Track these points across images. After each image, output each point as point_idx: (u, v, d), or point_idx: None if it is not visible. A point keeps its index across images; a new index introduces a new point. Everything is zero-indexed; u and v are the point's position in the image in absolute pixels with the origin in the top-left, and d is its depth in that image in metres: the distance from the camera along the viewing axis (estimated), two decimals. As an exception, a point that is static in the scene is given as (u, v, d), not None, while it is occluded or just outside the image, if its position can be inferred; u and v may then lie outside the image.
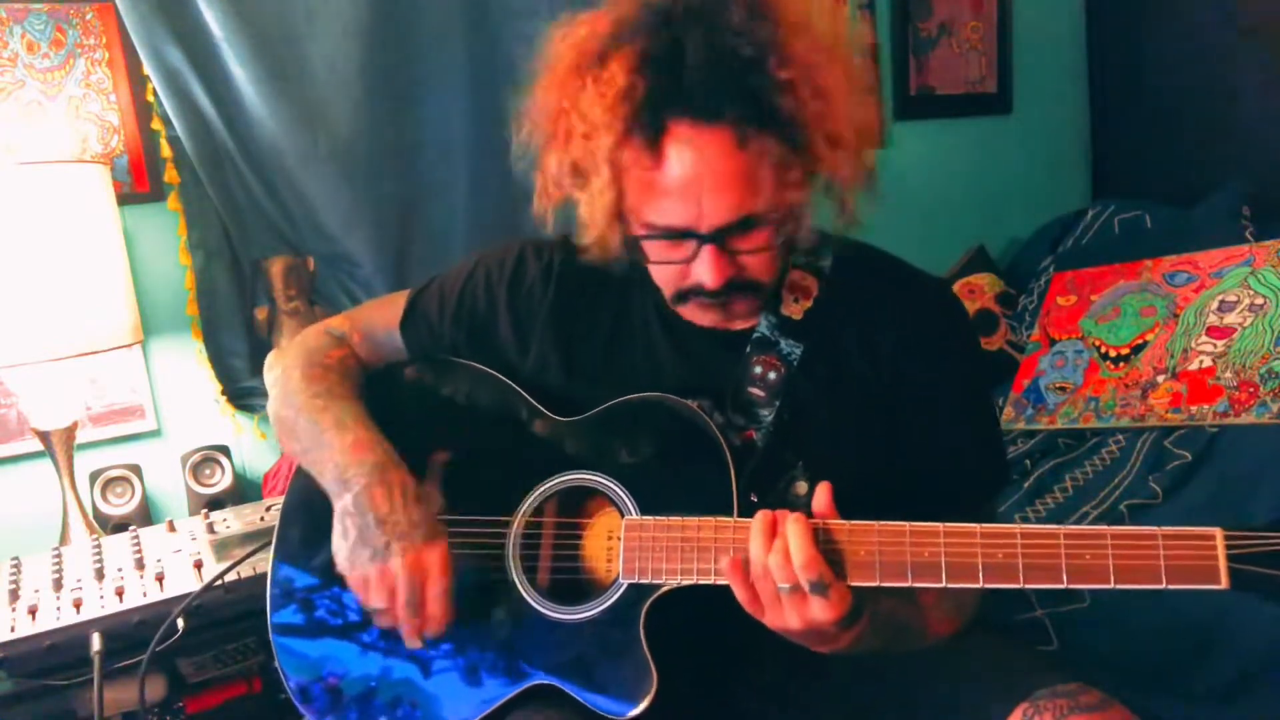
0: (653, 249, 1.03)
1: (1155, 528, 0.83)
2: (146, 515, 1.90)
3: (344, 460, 1.09)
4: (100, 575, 1.47)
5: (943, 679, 1.02)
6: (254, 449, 2.07)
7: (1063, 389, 2.37)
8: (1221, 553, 0.80)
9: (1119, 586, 0.83)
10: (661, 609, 1.00)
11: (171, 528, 1.65)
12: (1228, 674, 1.55)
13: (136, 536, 1.59)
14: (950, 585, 0.89)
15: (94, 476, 1.87)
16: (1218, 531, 0.81)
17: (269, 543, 1.26)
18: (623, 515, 1.04)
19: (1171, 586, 0.82)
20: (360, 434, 1.11)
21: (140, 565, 1.49)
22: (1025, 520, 2.02)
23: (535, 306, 1.19)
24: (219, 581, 1.44)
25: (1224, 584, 0.80)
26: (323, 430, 1.13)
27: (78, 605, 1.38)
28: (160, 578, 1.45)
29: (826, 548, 0.91)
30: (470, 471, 1.16)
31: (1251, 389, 2.01)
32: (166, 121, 1.91)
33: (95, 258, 1.65)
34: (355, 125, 2.01)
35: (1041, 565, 0.86)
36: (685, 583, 0.99)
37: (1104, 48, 3.12)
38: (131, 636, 1.38)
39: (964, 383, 1.14)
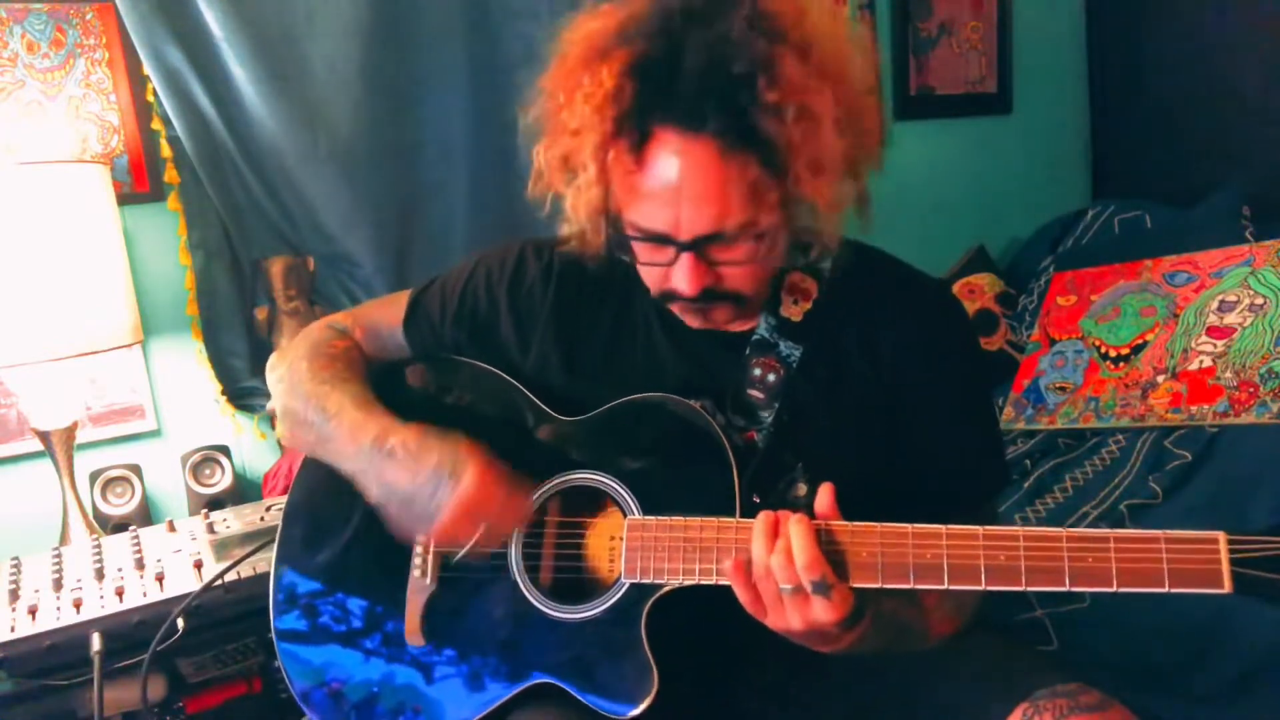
0: (639, 250, 1.04)
1: (1159, 531, 0.83)
2: (146, 515, 1.90)
3: (349, 450, 1.10)
4: (100, 575, 1.47)
5: (943, 679, 1.02)
6: (254, 449, 2.07)
7: (1063, 389, 2.37)
8: (1224, 557, 0.80)
9: (1122, 590, 0.83)
10: (663, 609, 1.00)
11: (171, 528, 1.65)
12: (1228, 674, 1.54)
13: (136, 536, 1.59)
14: (952, 588, 0.89)
15: (94, 476, 1.87)
16: (1221, 535, 0.81)
17: (268, 543, 1.26)
18: (625, 515, 1.04)
19: (1174, 590, 0.82)
20: (355, 416, 1.11)
21: (140, 565, 1.49)
22: (1025, 520, 2.02)
23: (536, 306, 1.19)
24: (219, 581, 1.44)
25: (1227, 588, 0.80)
26: (328, 418, 1.13)
27: (78, 605, 1.38)
28: (160, 578, 1.45)
29: (828, 549, 0.91)
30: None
31: (1251, 389, 2.01)
32: (166, 121, 1.91)
33: (95, 258, 1.65)
34: (355, 125, 2.01)
35: (1044, 568, 0.86)
36: (687, 583, 0.99)
37: (1104, 48, 3.11)
38: (131, 636, 1.38)
39: (964, 384, 1.14)
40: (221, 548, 1.55)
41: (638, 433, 1.08)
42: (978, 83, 2.95)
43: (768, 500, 1.03)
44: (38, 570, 1.50)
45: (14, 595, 1.43)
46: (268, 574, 1.23)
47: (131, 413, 1.95)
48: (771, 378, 1.09)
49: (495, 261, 1.23)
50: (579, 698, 1.01)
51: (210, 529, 1.63)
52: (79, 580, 1.45)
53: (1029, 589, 0.87)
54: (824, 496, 0.94)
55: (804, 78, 0.93)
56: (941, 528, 0.90)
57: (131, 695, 1.37)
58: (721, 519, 0.98)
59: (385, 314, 1.28)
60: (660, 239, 0.99)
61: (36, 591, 1.43)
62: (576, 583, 1.10)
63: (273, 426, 2.04)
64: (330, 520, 1.20)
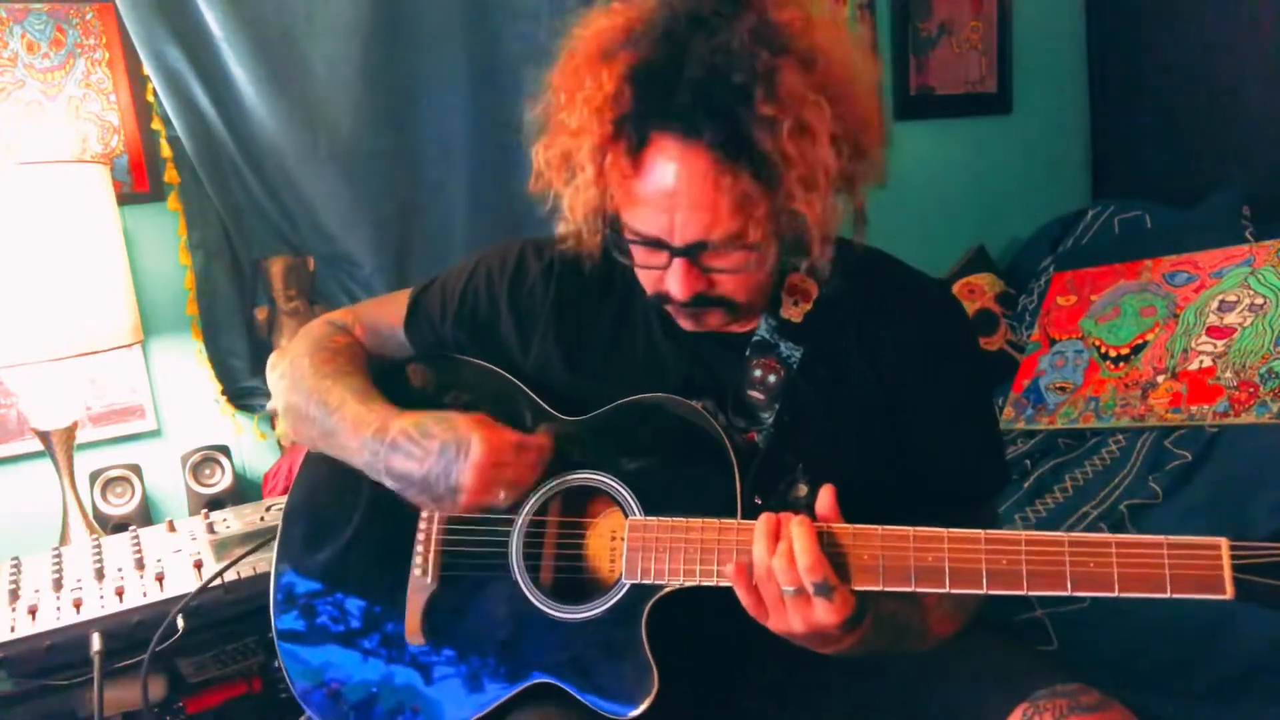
0: (635, 252, 1.04)
1: (1161, 537, 0.83)
2: (146, 515, 1.90)
3: (354, 443, 1.10)
4: (100, 575, 1.47)
5: (943, 679, 1.02)
6: (254, 449, 2.07)
7: (1063, 389, 2.37)
8: (1227, 563, 0.80)
9: (1124, 595, 0.83)
10: (663, 608, 1.00)
11: (171, 528, 1.64)
12: (1228, 674, 1.54)
13: (136, 536, 1.58)
14: (954, 591, 0.89)
15: (94, 476, 1.87)
16: (1223, 542, 0.81)
17: (266, 543, 1.26)
18: (626, 515, 1.04)
19: (1176, 596, 0.82)
20: (356, 410, 1.12)
21: (140, 565, 1.49)
22: (1025, 520, 2.02)
23: (537, 306, 1.19)
24: (219, 581, 1.43)
25: (1229, 594, 0.80)
26: (331, 412, 1.13)
27: (78, 605, 1.38)
28: (160, 578, 1.45)
29: (830, 551, 0.91)
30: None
31: (1251, 389, 2.01)
32: (166, 121, 1.91)
33: (95, 258, 1.65)
34: (355, 125, 2.01)
35: (1046, 572, 0.86)
36: (688, 584, 0.99)
37: (1104, 48, 3.12)
38: (131, 636, 1.38)
39: (964, 384, 1.14)
40: (221, 548, 1.55)
41: (639, 433, 1.09)
42: (978, 83, 2.95)
43: (768, 501, 1.03)
44: (38, 570, 1.50)
45: (14, 595, 1.42)
46: (268, 574, 1.23)
47: (131, 413, 1.95)
48: (772, 379, 1.09)
49: (496, 261, 1.23)
50: (579, 698, 1.01)
51: (210, 529, 1.63)
52: (79, 580, 1.45)
53: (1030, 593, 0.87)
54: (825, 498, 0.94)
55: (803, 91, 0.92)
56: (943, 531, 0.90)
57: (132, 695, 1.37)
58: (723, 520, 0.98)
59: (385, 313, 1.28)
60: (655, 243, 0.99)
61: (36, 591, 1.43)
62: (577, 583, 1.10)
63: (273, 426, 2.04)
64: (330, 520, 1.20)
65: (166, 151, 1.93)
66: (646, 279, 1.06)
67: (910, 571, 0.90)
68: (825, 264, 1.01)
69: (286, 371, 1.22)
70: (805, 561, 0.89)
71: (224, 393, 2.00)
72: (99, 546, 1.56)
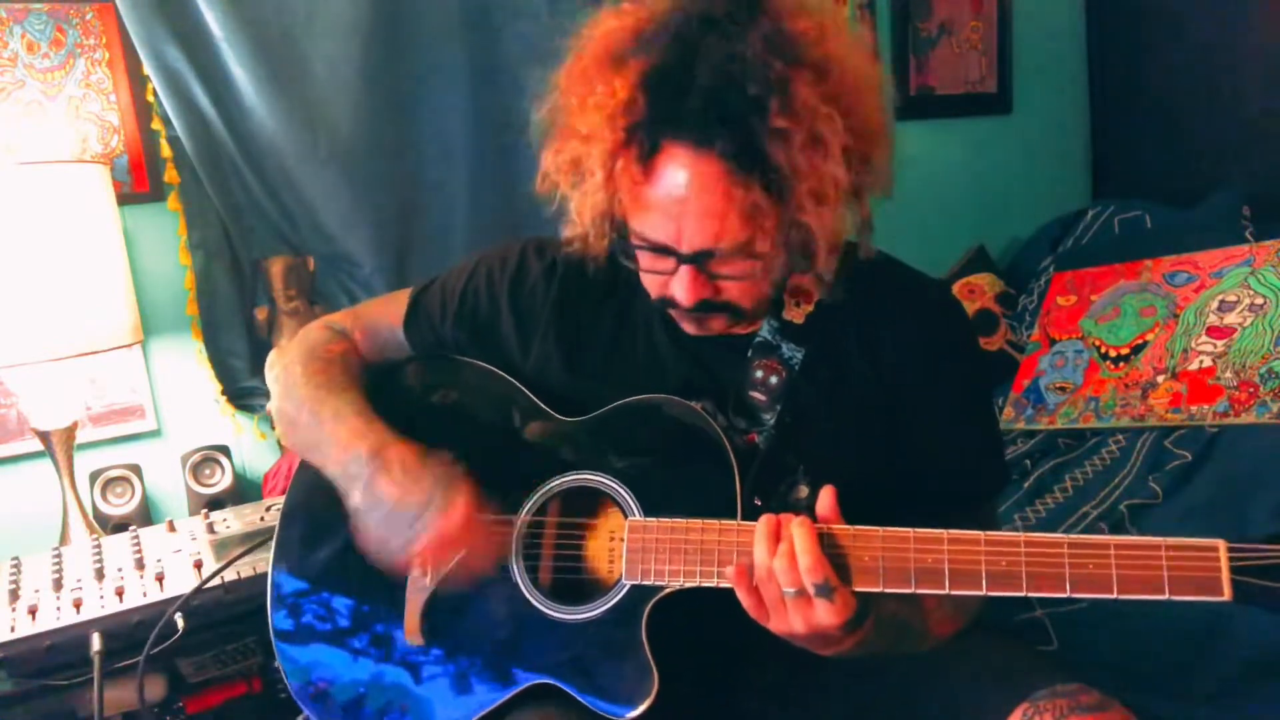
0: (641, 257, 1.04)
1: (1159, 538, 0.83)
2: (146, 515, 1.90)
3: (343, 455, 1.09)
4: (100, 575, 1.47)
5: (943, 679, 1.02)
6: (254, 449, 2.07)
7: (1063, 389, 2.37)
8: (1224, 565, 0.81)
9: (1122, 597, 0.84)
10: (663, 609, 1.00)
11: (171, 528, 1.65)
12: (1228, 674, 1.54)
13: (136, 536, 1.58)
14: (954, 593, 0.89)
15: (94, 476, 1.87)
16: (1221, 544, 0.81)
17: (263, 543, 1.26)
18: (626, 516, 1.04)
19: (1175, 598, 0.82)
20: (354, 424, 1.11)
21: (140, 565, 1.49)
22: (1025, 520, 2.02)
23: (538, 306, 1.19)
24: (218, 581, 1.44)
25: (1226, 596, 0.80)
26: (322, 423, 1.13)
27: (78, 605, 1.38)
28: (160, 578, 1.45)
29: (830, 552, 0.91)
30: (474, 470, 1.16)
31: (1251, 389, 2.01)
32: (166, 121, 1.91)
33: (95, 258, 1.65)
34: (355, 125, 2.01)
35: (1045, 574, 0.86)
36: (688, 585, 0.99)
37: (1104, 48, 3.12)
38: (131, 636, 1.38)
39: (964, 384, 1.14)
40: (221, 548, 1.55)
41: (638, 434, 1.08)
42: (978, 83, 2.95)
43: (769, 502, 1.03)
44: (38, 570, 1.50)
45: (14, 595, 1.43)
46: (267, 574, 1.23)
47: (131, 413, 1.95)
48: (774, 380, 1.09)
49: (497, 261, 1.23)
50: (579, 698, 1.01)
51: (210, 529, 1.63)
52: (79, 580, 1.45)
53: (1030, 594, 0.87)
54: (825, 499, 0.94)
55: (816, 104, 0.91)
56: (943, 532, 0.90)
57: (131, 695, 1.37)
58: (723, 521, 0.98)
59: (385, 313, 1.28)
60: (662, 249, 0.99)
61: (36, 591, 1.43)
62: (576, 583, 1.10)
63: (273, 427, 2.04)
64: (327, 521, 1.20)
65: (166, 151, 1.93)
66: (651, 283, 1.06)
67: (910, 573, 0.90)
68: (830, 272, 1.01)
69: (280, 376, 1.22)
70: (806, 562, 0.89)
71: (224, 393, 2.00)
72: (99, 546, 1.56)
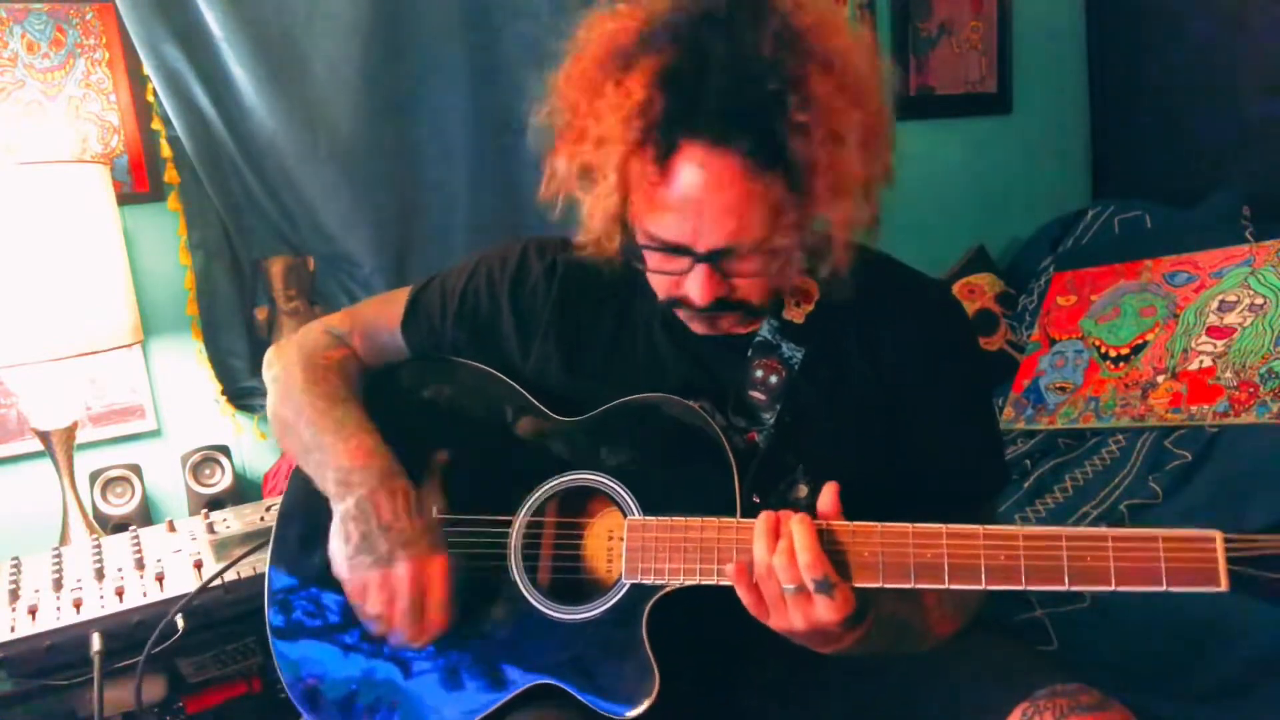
0: (650, 258, 1.03)
1: (1156, 529, 0.84)
2: (146, 515, 1.90)
3: (346, 465, 1.09)
4: (100, 575, 1.47)
5: (943, 678, 1.02)
6: (254, 449, 2.07)
7: (1063, 389, 2.37)
8: (1221, 555, 0.81)
9: (1120, 589, 0.84)
10: (662, 607, 1.00)
11: (171, 528, 1.65)
12: (1228, 674, 1.54)
13: (136, 536, 1.58)
14: (953, 587, 0.89)
15: (94, 476, 1.87)
16: (1217, 534, 0.81)
17: (265, 543, 1.26)
18: (625, 515, 1.04)
19: (1172, 589, 0.82)
20: (362, 439, 1.11)
21: (140, 565, 1.49)
22: (1025, 520, 2.02)
23: (538, 306, 1.19)
24: (218, 581, 1.44)
25: (1223, 586, 0.81)
26: (321, 433, 1.13)
27: (78, 605, 1.38)
28: (160, 578, 1.45)
29: (830, 548, 0.91)
30: (472, 471, 1.16)
31: (1251, 389, 2.01)
32: (166, 121, 1.91)
33: (95, 258, 1.65)
34: (355, 125, 2.01)
35: (1043, 567, 0.86)
36: (688, 583, 0.99)
37: (1104, 48, 3.12)
38: (131, 636, 1.38)
39: (964, 384, 1.14)
40: (221, 548, 1.55)
41: (637, 433, 1.08)
42: (978, 83, 2.95)
43: (768, 501, 1.03)
44: (38, 570, 1.50)
45: (14, 595, 1.42)
46: (265, 574, 1.23)
47: (131, 413, 1.95)
48: (773, 379, 1.09)
49: (497, 261, 1.23)
50: (579, 698, 1.01)
51: (210, 529, 1.63)
52: (79, 580, 1.45)
53: (1028, 588, 0.87)
54: (827, 496, 0.94)
55: (832, 96, 0.92)
56: (942, 527, 0.90)
57: (131, 695, 1.37)
58: (722, 519, 0.98)
59: (383, 314, 1.28)
60: (676, 249, 0.99)
61: (36, 591, 1.43)
62: (574, 583, 1.10)
63: (272, 426, 2.04)
64: (321, 522, 1.20)
65: (166, 151, 1.93)
66: (661, 284, 1.05)
67: (910, 568, 0.90)
68: (846, 266, 1.01)
69: (279, 377, 1.22)
70: (806, 559, 0.89)
71: (224, 393, 2.00)
72: (99, 546, 1.56)
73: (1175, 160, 2.93)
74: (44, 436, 1.72)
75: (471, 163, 2.16)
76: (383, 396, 1.21)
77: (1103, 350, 2.35)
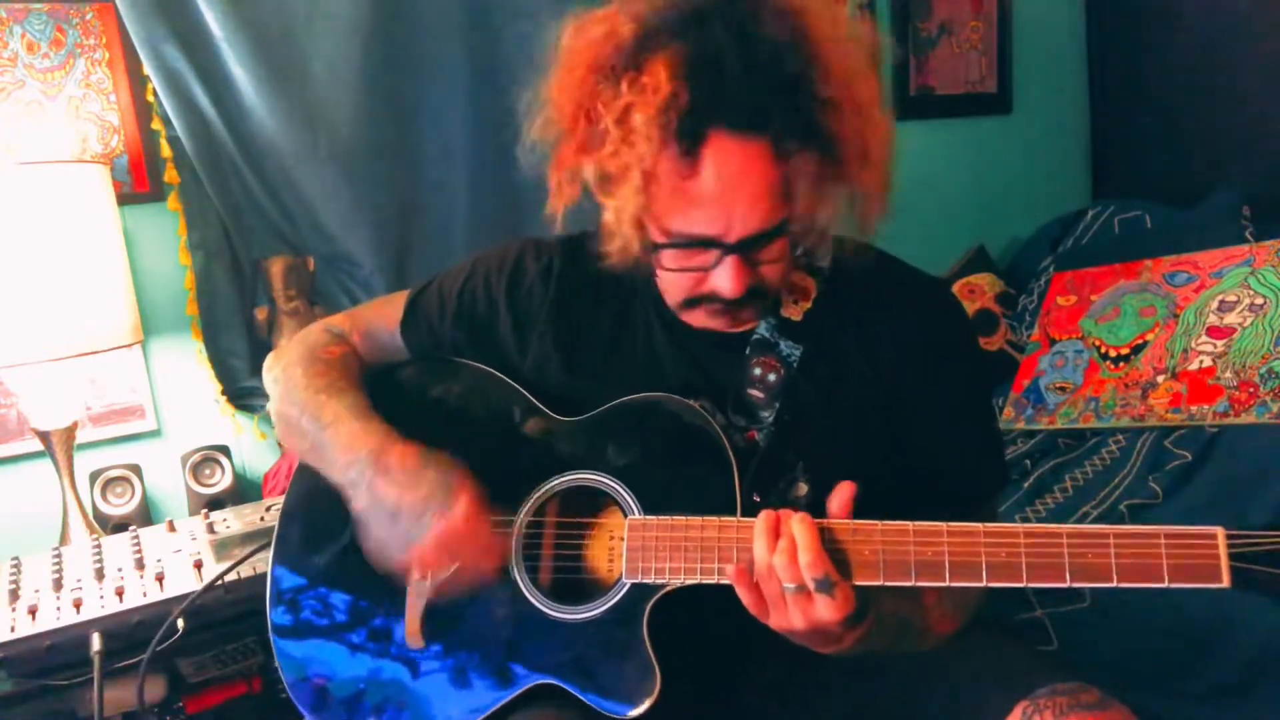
0: (670, 256, 1.02)
1: (1158, 526, 0.84)
2: (146, 515, 1.90)
3: (345, 458, 1.09)
4: (100, 575, 1.47)
5: (943, 677, 1.02)
6: (254, 449, 2.07)
7: (1063, 389, 2.37)
8: (1223, 552, 0.81)
9: (1122, 585, 0.84)
10: (663, 607, 1.00)
11: (171, 528, 1.65)
12: (1228, 674, 1.54)
13: (136, 536, 1.58)
14: (954, 585, 0.89)
15: (94, 476, 1.87)
16: (1219, 530, 0.81)
17: (268, 544, 1.26)
18: (625, 515, 1.04)
19: (1174, 585, 0.82)
20: (354, 426, 1.11)
21: (140, 565, 1.49)
22: (1025, 520, 2.02)
23: (535, 306, 1.19)
24: (219, 582, 1.43)
25: (1225, 582, 0.81)
26: (323, 427, 1.13)
27: (78, 605, 1.38)
28: (160, 578, 1.45)
29: (830, 547, 0.91)
30: (472, 471, 1.16)
31: (1251, 389, 2.01)
32: (166, 121, 1.91)
33: (95, 258, 1.65)
34: (355, 125, 2.01)
35: (1045, 564, 0.86)
36: (689, 582, 0.99)
37: (1104, 48, 3.11)
38: (131, 636, 1.38)
39: (963, 383, 1.14)
40: (221, 548, 1.55)
41: (637, 432, 1.08)
42: (978, 83, 2.95)
43: (768, 500, 1.03)
44: (38, 570, 1.50)
45: (14, 595, 1.43)
46: (266, 574, 1.23)
47: (131, 413, 1.95)
48: (772, 377, 1.09)
49: (494, 261, 1.23)
50: (581, 698, 1.01)
51: (210, 529, 1.63)
52: (79, 580, 1.45)
53: (1030, 585, 0.87)
54: (842, 495, 0.93)
55: (846, 68, 0.94)
56: (942, 525, 0.90)
57: (131, 695, 1.37)
58: (722, 518, 0.98)
59: (383, 315, 1.28)
60: (704, 243, 0.98)
61: (36, 591, 1.43)
62: (575, 583, 1.09)
63: (273, 426, 2.04)
64: (326, 520, 1.20)
65: (166, 151, 1.93)
66: (681, 283, 1.04)
67: (910, 566, 0.90)
68: (827, 259, 1.05)
69: (280, 377, 1.22)
70: (806, 558, 0.89)
71: (224, 393, 2.00)
72: (99, 546, 1.56)
73: (1175, 160, 2.93)
74: (44, 436, 1.72)
75: (471, 163, 2.16)
76: (383, 396, 1.21)
77: (1103, 350, 2.35)
